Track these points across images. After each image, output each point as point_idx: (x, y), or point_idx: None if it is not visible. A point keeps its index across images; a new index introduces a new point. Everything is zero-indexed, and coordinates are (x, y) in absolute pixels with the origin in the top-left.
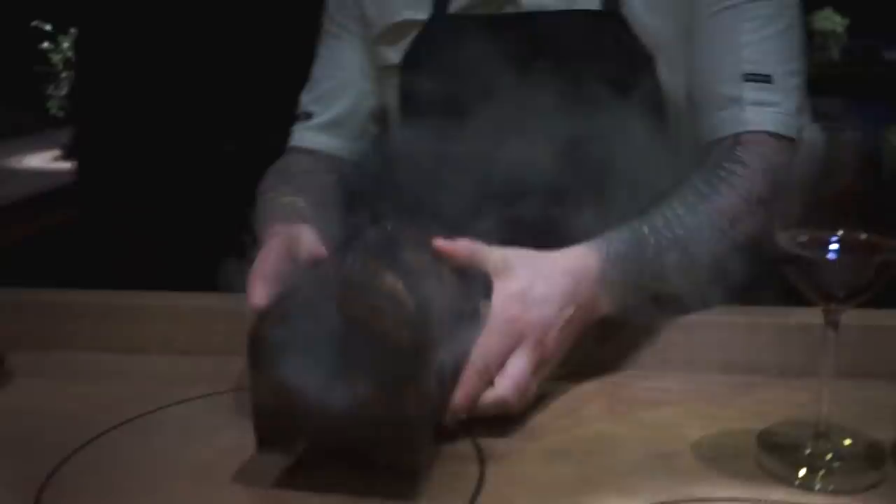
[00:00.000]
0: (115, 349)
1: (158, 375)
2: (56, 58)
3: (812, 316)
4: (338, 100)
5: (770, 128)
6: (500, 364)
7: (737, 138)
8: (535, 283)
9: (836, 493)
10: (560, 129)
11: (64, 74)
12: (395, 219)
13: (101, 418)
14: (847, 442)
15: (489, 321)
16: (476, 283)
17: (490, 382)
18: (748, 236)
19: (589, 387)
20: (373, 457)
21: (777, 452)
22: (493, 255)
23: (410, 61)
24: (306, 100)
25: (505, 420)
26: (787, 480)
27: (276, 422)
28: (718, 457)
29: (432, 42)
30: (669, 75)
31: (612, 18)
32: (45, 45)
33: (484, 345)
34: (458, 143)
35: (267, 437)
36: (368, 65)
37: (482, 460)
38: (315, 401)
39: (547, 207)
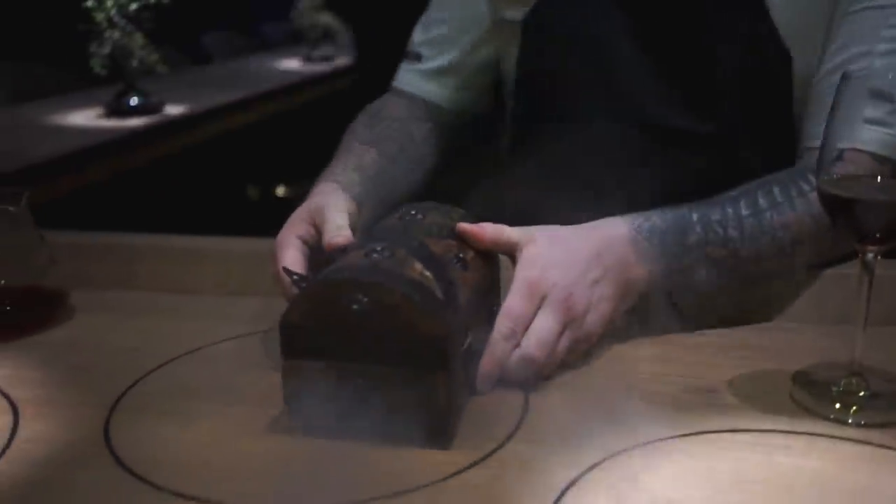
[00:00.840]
0: (171, 289)
1: (213, 314)
2: (100, 16)
3: (847, 267)
4: (451, 46)
5: (877, 150)
6: (525, 326)
7: (839, 153)
8: (554, 248)
9: (868, 426)
10: (680, 115)
11: (107, 33)
12: (418, 203)
13: (162, 350)
14: (880, 381)
15: (511, 287)
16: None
17: (516, 345)
18: (805, 261)
19: (630, 331)
20: (405, 436)
21: (811, 389)
22: (516, 232)
23: (533, 23)
24: (418, 39)
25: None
26: (821, 415)
27: (307, 407)
28: (754, 393)
29: (558, 6)
30: (802, 79)
31: (752, 5)
32: (89, 3)
33: (507, 309)
34: (578, 113)
35: (298, 422)
36: (489, 12)
37: (526, 392)
38: (344, 388)
39: (655, 195)
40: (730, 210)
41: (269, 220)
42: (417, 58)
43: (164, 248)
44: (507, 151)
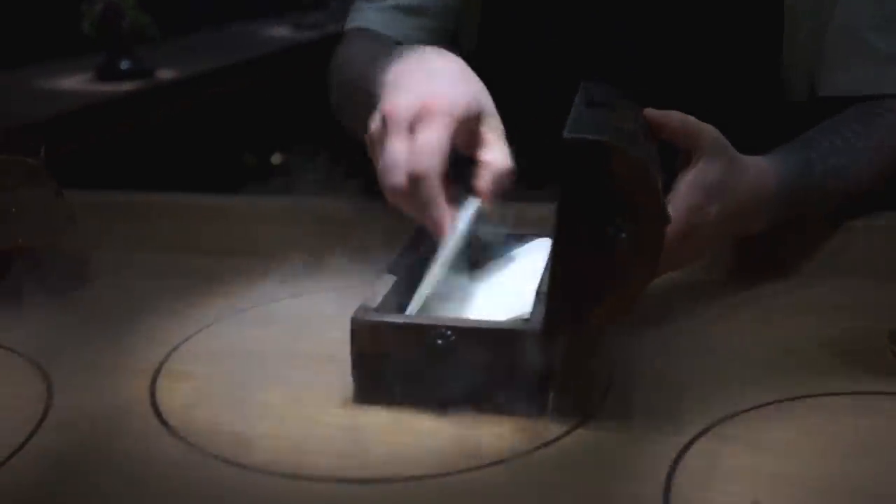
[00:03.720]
0: (198, 250)
1: (248, 274)
2: None
3: None
4: None
5: None
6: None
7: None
8: (733, 182)
9: None
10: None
11: None
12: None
13: (201, 313)
14: None
15: (685, 192)
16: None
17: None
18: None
19: (716, 287)
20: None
21: None
22: (708, 132)
23: None
24: None
25: None
26: None
27: (381, 373)
28: (848, 353)
29: None
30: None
31: None
32: None
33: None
34: (543, 63)
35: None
36: None
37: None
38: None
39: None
40: (835, 141)
41: (263, 186)
42: None
43: (186, 206)
44: None
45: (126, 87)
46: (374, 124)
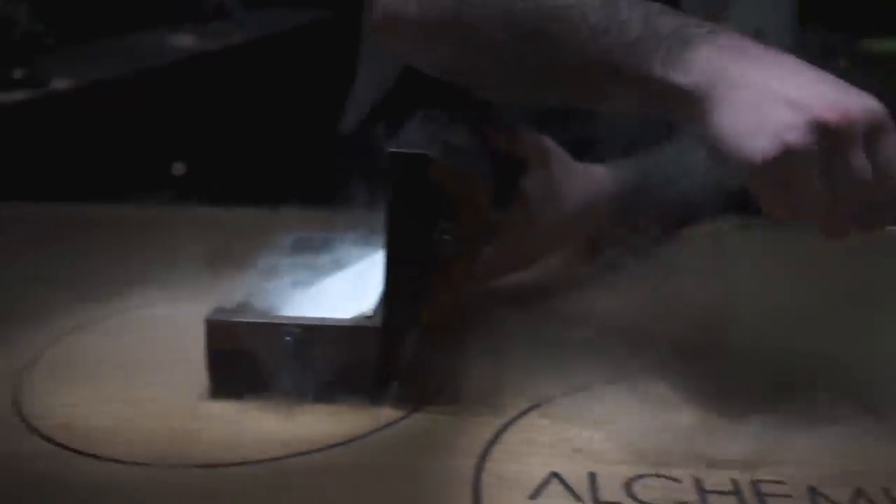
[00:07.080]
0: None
1: (110, 281)
2: None
3: None
4: None
5: None
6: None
7: None
8: (567, 187)
9: None
10: None
11: None
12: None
13: (63, 322)
14: None
15: (520, 199)
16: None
17: None
18: None
19: (545, 286)
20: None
21: None
22: (542, 141)
23: None
24: None
25: None
26: None
27: (231, 368)
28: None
29: None
30: None
31: None
32: None
33: (514, 226)
34: None
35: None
36: None
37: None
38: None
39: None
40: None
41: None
42: None
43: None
44: None
45: (17, 95)
46: (797, 134)
